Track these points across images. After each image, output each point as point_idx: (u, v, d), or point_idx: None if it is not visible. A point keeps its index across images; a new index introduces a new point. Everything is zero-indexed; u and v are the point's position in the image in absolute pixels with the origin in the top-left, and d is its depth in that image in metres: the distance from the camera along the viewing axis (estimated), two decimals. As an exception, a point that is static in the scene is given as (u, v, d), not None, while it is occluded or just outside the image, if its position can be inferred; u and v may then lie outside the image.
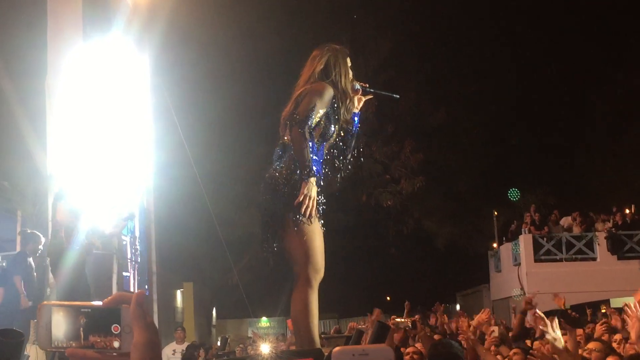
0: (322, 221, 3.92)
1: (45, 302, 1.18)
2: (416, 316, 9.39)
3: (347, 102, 4.06)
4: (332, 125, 4.02)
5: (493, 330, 6.70)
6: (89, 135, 8.64)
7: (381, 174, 22.23)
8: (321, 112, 3.94)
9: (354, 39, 20.83)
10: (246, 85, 17.48)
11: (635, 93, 23.52)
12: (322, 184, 3.92)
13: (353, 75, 4.20)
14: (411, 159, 21.99)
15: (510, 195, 22.55)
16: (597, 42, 24.42)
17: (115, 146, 9.31)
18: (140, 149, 10.30)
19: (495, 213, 23.44)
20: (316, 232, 3.85)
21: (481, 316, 6.55)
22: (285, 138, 3.98)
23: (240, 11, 16.99)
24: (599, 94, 24.55)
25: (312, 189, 3.79)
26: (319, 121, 3.96)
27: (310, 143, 3.86)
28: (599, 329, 6.34)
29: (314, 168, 3.83)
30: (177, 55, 15.04)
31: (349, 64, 4.19)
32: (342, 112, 4.01)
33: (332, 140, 4.05)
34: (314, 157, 3.87)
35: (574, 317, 5.79)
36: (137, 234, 10.64)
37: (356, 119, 4.22)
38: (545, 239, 20.19)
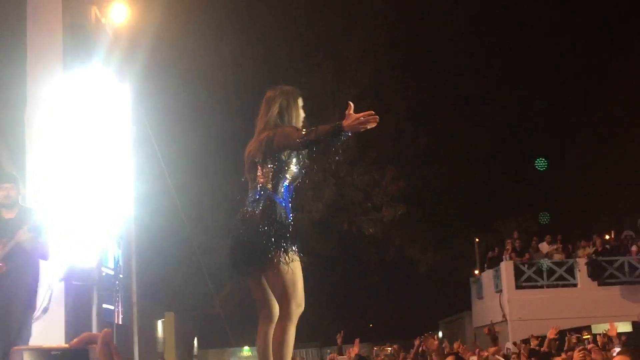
0: (301, 254, 4.13)
1: (16, 348, 1.21)
2: (394, 345, 9.45)
3: None
4: (297, 168, 4.25)
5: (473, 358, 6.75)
6: (68, 167, 8.60)
7: (362, 202, 22.27)
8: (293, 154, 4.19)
9: (335, 67, 21.01)
10: (227, 114, 17.56)
11: (615, 118, 23.83)
12: (291, 222, 4.17)
13: (305, 117, 4.38)
14: (392, 187, 22.06)
15: (538, 165, 22.42)
16: (579, 66, 24.75)
17: (95, 177, 9.26)
18: (120, 179, 10.26)
19: (477, 240, 23.52)
20: (296, 267, 4.10)
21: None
22: (260, 180, 4.19)
23: (222, 41, 17.11)
24: (580, 119, 24.84)
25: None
26: (289, 162, 4.21)
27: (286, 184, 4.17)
28: (577, 355, 6.39)
29: (287, 208, 4.17)
30: (158, 84, 15.09)
31: (301, 104, 4.39)
32: (301, 155, 4.23)
33: (297, 182, 4.29)
34: (282, 199, 4.16)
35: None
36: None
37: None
38: (526, 265, 20.27)
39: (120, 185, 10.33)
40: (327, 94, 20.53)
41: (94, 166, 9.15)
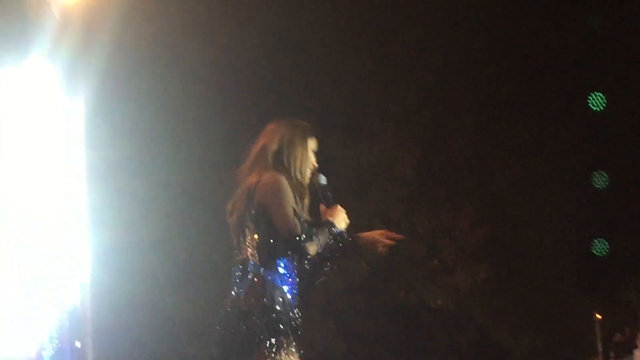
0: (302, 352, 4.47)
1: None
2: None
3: (300, 191, 4.60)
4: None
5: None
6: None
7: (427, 260, 22.14)
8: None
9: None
10: (225, 132, 17.62)
11: None
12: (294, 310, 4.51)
13: (316, 163, 4.74)
14: (471, 236, 21.95)
15: (592, 103, 22.57)
16: None
17: (32, 224, 9.31)
18: (70, 229, 10.29)
19: (599, 316, 23.32)
20: None
21: None
22: (242, 253, 4.51)
23: (220, 28, 17.31)
24: None
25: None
26: None
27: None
28: None
29: (286, 289, 4.47)
30: (126, 90, 15.18)
31: (313, 147, 4.68)
32: (299, 207, 4.54)
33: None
34: (284, 273, 4.47)
35: None
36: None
37: None
38: (674, 354, 20.01)
39: (69, 238, 10.34)
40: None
41: (29, 205, 9.18)
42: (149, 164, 16.34)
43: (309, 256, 4.35)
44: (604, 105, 22.99)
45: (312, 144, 4.60)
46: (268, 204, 4.35)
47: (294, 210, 4.36)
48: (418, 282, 22.21)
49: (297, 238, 4.26)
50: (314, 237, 4.30)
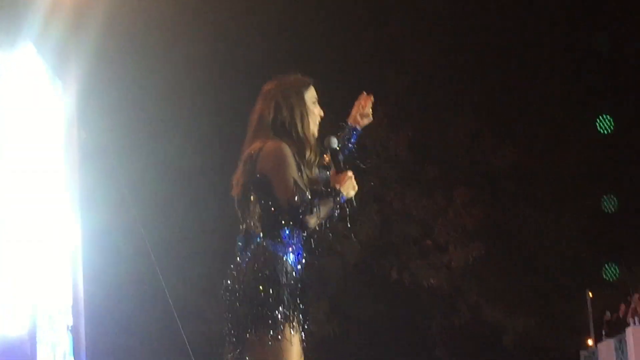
0: (307, 326, 4.30)
1: None
2: None
3: (308, 155, 4.42)
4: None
5: None
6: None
7: (420, 239, 22.21)
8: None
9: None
10: (218, 114, 17.65)
11: None
12: (302, 271, 4.34)
13: (321, 113, 4.52)
14: (465, 216, 21.99)
15: (600, 125, 22.48)
16: None
17: (19, 206, 9.36)
18: (60, 209, 10.37)
19: (590, 295, 23.33)
20: (292, 350, 4.18)
21: None
22: (246, 224, 4.36)
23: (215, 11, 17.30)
24: None
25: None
26: None
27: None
28: None
29: (290, 261, 4.32)
30: (118, 73, 15.21)
31: (312, 98, 4.50)
32: (304, 170, 4.37)
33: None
34: (287, 243, 4.31)
35: None
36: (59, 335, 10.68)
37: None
38: (666, 333, 20.03)
39: (59, 218, 10.43)
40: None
41: (19, 190, 9.25)
42: (140, 145, 16.36)
43: (308, 229, 4.22)
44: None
45: (310, 95, 4.49)
46: (269, 174, 4.26)
47: (295, 180, 4.22)
48: (411, 262, 22.28)
49: (297, 210, 4.15)
50: (314, 209, 4.15)
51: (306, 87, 4.49)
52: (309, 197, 4.20)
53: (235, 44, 18.27)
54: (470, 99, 22.45)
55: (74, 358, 11.12)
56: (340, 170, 4.33)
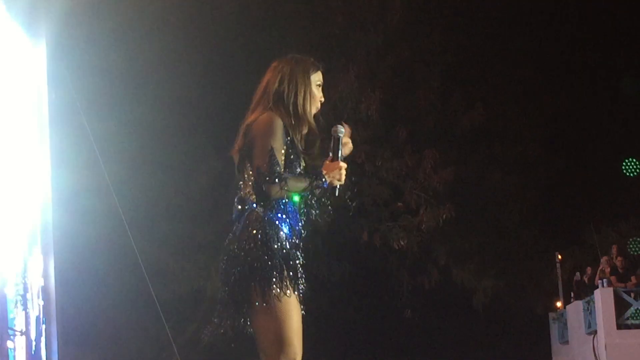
0: (302, 289, 4.60)
1: None
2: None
3: (303, 129, 4.64)
4: (297, 164, 4.63)
5: None
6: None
7: (390, 201, 22.23)
8: (283, 150, 4.55)
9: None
10: (187, 76, 17.51)
11: None
12: (298, 243, 4.61)
13: (322, 98, 4.76)
14: (435, 178, 22.01)
15: (626, 169, 22.37)
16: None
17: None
18: (31, 170, 10.30)
19: (559, 257, 23.51)
20: (292, 310, 4.45)
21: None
22: (243, 191, 4.58)
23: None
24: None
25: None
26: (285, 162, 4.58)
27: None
28: None
29: (285, 230, 4.54)
30: (90, 29, 15.03)
31: (317, 81, 4.72)
32: (297, 144, 4.61)
33: None
34: (275, 214, 4.54)
35: None
36: (30, 295, 10.61)
37: None
38: (632, 294, 20.22)
39: (30, 179, 10.36)
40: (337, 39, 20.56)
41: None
42: (112, 104, 16.21)
43: (268, 198, 4.40)
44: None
45: (315, 78, 4.66)
46: (254, 142, 4.46)
47: (271, 149, 4.40)
48: (381, 224, 22.29)
49: (263, 176, 4.36)
50: (280, 181, 4.35)
51: (314, 69, 4.70)
52: (280, 169, 4.41)
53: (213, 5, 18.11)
54: (441, 59, 22.41)
55: (44, 319, 11.10)
56: (335, 159, 4.56)
